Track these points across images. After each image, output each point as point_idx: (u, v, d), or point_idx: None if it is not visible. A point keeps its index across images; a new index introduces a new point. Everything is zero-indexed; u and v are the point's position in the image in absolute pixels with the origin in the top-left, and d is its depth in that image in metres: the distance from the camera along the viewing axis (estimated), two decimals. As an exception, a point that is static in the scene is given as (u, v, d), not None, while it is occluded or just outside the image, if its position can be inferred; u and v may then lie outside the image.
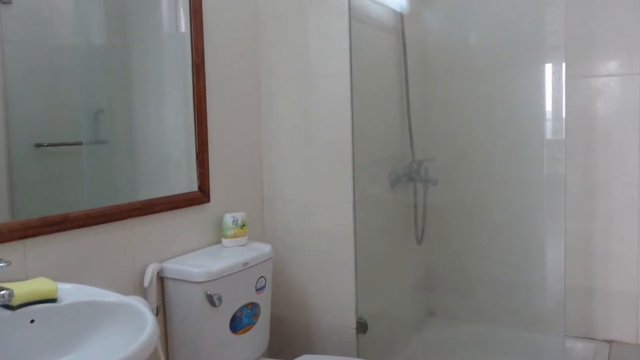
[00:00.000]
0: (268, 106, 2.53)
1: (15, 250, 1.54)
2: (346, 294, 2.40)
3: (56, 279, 1.56)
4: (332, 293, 2.43)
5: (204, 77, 2.19)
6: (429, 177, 2.89)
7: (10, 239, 1.52)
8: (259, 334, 2.21)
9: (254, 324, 2.16)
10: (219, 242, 2.29)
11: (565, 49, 2.29)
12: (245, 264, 2.08)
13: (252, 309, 2.14)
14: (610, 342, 2.51)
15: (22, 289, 1.39)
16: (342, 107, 2.35)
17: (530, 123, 2.59)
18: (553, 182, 2.37)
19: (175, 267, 1.99)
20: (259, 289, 2.17)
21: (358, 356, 2.38)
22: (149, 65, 2.05)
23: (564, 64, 2.30)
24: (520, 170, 2.67)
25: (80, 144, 1.80)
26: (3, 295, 1.31)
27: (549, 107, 2.45)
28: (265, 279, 2.20)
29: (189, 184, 2.18)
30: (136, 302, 1.50)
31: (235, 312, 2.06)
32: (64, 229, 1.66)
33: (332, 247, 2.42)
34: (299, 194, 2.48)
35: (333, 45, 2.35)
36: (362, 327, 2.40)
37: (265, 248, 2.23)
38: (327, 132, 2.40)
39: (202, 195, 2.21)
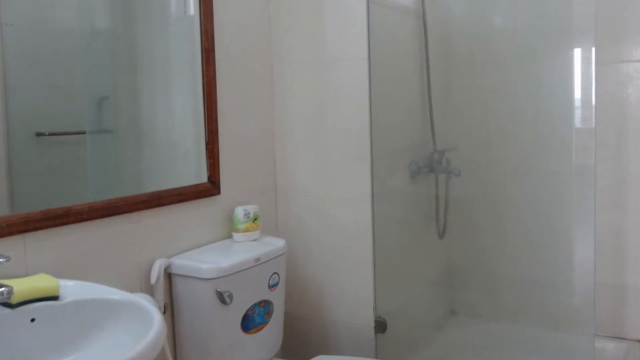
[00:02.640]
0: (282, 93, 2.50)
1: (15, 245, 1.52)
2: (364, 291, 2.37)
3: (58, 275, 1.54)
4: (349, 290, 2.40)
5: (214, 63, 2.16)
6: (451, 168, 2.85)
7: (9, 234, 1.49)
8: (272, 333, 2.18)
9: (267, 322, 2.14)
10: (230, 236, 2.26)
11: (595, 32, 2.23)
12: (257, 259, 2.05)
13: (264, 307, 2.11)
14: (642, 342, 2.47)
15: (22, 286, 1.37)
16: (359, 95, 2.31)
17: (558, 111, 2.54)
18: (582, 173, 2.33)
19: (183, 262, 1.96)
20: (272, 286, 2.14)
21: (376, 357, 2.35)
22: (156, 50, 2.02)
23: (593, 49, 2.25)
24: (547, 161, 2.61)
25: (84, 133, 1.77)
26: (2, 293, 1.28)
27: (578, 94, 2.40)
28: (278, 276, 2.17)
29: (198, 175, 2.15)
30: (142, 299, 1.47)
31: (247, 311, 2.03)
32: (67, 223, 1.63)
33: (349, 242, 2.39)
34: (315, 186, 2.45)
35: (350, 29, 2.30)
36: (380, 326, 2.37)
37: (278, 243, 2.20)
38: (343, 120, 2.36)
39: (212, 187, 2.17)
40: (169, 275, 1.99)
